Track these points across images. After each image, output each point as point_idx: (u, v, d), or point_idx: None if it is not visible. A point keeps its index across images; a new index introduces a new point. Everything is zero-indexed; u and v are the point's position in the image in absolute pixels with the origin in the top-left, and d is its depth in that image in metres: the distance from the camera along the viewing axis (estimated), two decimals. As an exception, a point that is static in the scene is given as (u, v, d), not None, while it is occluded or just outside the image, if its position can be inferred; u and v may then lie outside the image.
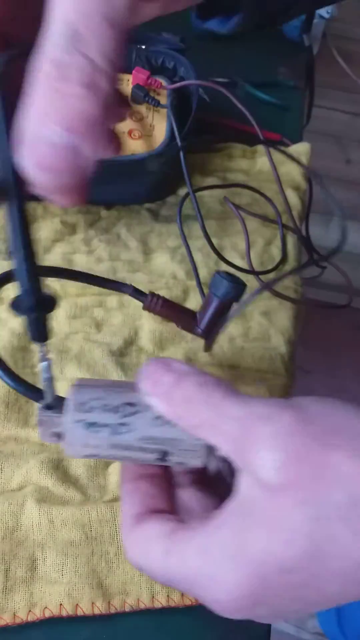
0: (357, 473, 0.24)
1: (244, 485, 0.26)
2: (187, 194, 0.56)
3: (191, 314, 0.47)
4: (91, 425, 0.31)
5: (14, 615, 0.37)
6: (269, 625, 0.41)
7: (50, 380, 0.33)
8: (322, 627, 0.94)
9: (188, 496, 0.31)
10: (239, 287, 0.45)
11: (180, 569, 0.27)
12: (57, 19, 0.19)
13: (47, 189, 0.24)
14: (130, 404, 0.31)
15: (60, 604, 0.38)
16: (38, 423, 0.33)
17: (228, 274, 0.45)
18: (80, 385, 0.33)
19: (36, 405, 0.46)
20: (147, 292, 0.47)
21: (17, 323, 0.49)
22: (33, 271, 0.28)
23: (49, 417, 0.33)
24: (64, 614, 0.37)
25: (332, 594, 0.25)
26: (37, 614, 0.37)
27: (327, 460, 0.25)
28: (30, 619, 0.37)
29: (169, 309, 0.47)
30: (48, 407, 0.33)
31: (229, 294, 0.44)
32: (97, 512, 0.40)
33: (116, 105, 0.22)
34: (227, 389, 0.28)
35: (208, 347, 0.49)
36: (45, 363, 0.33)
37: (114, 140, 0.26)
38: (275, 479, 0.25)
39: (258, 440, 0.26)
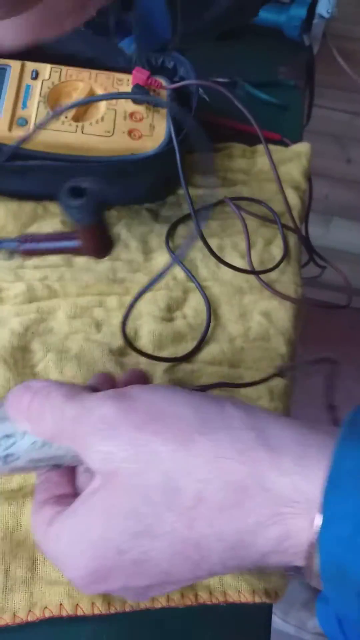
0: (172, 454, 0.27)
1: (92, 477, 0.29)
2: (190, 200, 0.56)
3: (72, 236, 0.44)
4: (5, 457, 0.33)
5: (14, 615, 0.37)
6: (269, 626, 0.41)
7: None
8: (322, 627, 0.94)
9: (82, 479, 0.34)
10: (88, 201, 0.41)
11: (52, 548, 0.30)
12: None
13: None
14: (7, 436, 0.33)
15: (60, 604, 0.38)
16: None
17: (74, 188, 0.41)
18: None
19: None
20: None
21: (17, 323, 0.49)
22: None
23: None
24: (64, 614, 0.38)
25: (167, 570, 0.28)
26: (37, 614, 0.37)
27: (146, 446, 0.27)
28: (30, 619, 0.37)
29: (48, 240, 0.44)
30: None
31: (83, 212, 0.42)
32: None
33: None
34: (68, 391, 0.30)
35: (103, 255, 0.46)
36: None
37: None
38: (104, 469, 0.28)
39: (85, 434, 0.28)
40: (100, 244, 0.44)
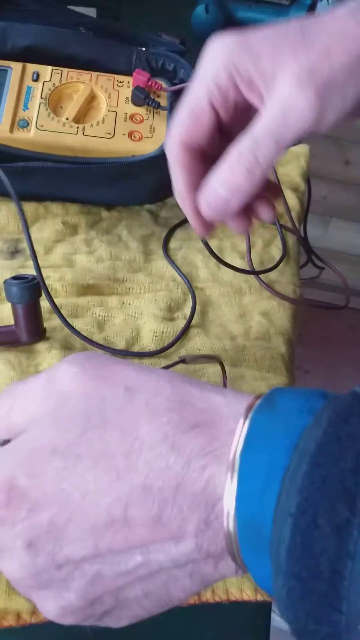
0: (135, 372, 0.29)
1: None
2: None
3: (10, 330, 0.48)
4: None
5: (18, 616, 0.37)
6: (269, 623, 0.42)
7: None
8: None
9: None
10: (30, 286, 0.46)
11: None
12: (250, 130, 0.34)
13: (209, 217, 0.37)
14: None
15: None
16: None
17: (15, 277, 0.47)
18: None
19: None
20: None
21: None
22: None
23: None
24: None
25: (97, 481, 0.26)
26: (41, 616, 0.37)
27: (113, 368, 0.29)
28: (34, 620, 0.37)
29: None
30: None
31: (24, 296, 0.46)
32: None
33: (260, 188, 0.36)
34: None
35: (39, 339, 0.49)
36: None
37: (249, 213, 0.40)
38: (70, 382, 0.28)
39: (62, 365, 0.30)
40: (36, 327, 0.48)
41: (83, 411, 0.27)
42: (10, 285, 0.46)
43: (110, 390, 0.27)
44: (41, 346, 0.49)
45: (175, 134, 0.37)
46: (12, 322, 0.48)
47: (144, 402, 0.27)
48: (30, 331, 0.48)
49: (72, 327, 0.48)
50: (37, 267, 0.48)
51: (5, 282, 0.46)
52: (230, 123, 0.37)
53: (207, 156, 0.38)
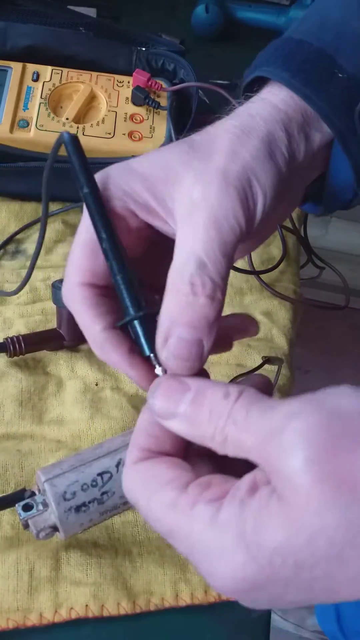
0: None
1: (274, 476, 0.25)
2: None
3: (55, 333, 0.48)
4: (80, 507, 0.34)
5: (41, 615, 0.37)
6: (269, 624, 0.42)
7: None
8: (321, 626, 0.94)
9: (203, 463, 0.29)
10: None
11: (185, 528, 0.26)
12: (185, 254, 0.29)
13: (177, 367, 0.29)
14: (102, 473, 0.34)
15: (87, 605, 0.37)
16: (25, 525, 0.35)
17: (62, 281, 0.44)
18: (50, 479, 0.35)
19: (49, 402, 0.46)
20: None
21: (22, 325, 0.50)
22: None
23: (35, 517, 0.35)
24: (90, 615, 0.37)
25: (342, 594, 0.24)
26: (63, 615, 0.37)
27: (358, 462, 0.23)
28: (57, 620, 0.37)
29: (34, 343, 0.47)
30: (25, 509, 0.35)
31: None
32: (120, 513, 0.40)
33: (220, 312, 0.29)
34: (251, 397, 0.26)
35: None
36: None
37: (224, 340, 0.34)
38: (303, 475, 0.23)
39: (284, 442, 0.24)
40: (79, 331, 0.47)
41: (325, 528, 0.23)
42: (58, 289, 0.45)
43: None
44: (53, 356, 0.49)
45: (73, 278, 0.31)
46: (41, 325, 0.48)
47: None
48: (73, 334, 0.47)
49: None
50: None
51: (53, 284, 0.46)
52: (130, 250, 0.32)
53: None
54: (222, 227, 0.29)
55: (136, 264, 0.31)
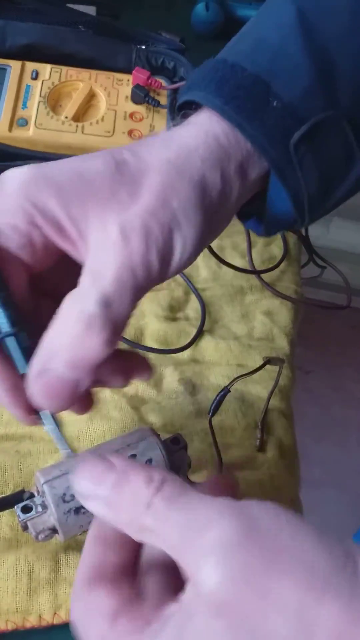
0: (301, 604, 0.21)
1: (188, 594, 0.24)
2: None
3: None
4: (79, 509, 0.34)
5: (40, 617, 0.37)
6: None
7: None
8: None
9: (153, 577, 0.27)
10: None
11: None
12: (91, 285, 0.26)
13: (43, 404, 0.28)
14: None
15: None
16: (24, 527, 0.35)
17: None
18: (49, 480, 0.34)
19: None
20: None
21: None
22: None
23: (34, 519, 0.34)
24: None
25: None
26: (62, 616, 0.37)
27: (270, 585, 0.22)
28: (56, 621, 0.37)
29: None
30: (24, 511, 0.35)
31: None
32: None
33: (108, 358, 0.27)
34: (173, 489, 0.25)
35: None
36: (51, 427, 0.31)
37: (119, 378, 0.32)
38: (215, 595, 0.22)
39: (198, 550, 0.23)
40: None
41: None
42: None
43: (266, 625, 0.22)
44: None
45: None
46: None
47: None
48: None
49: None
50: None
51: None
52: (38, 272, 0.30)
53: None
54: (136, 273, 0.27)
55: (42, 277, 0.30)
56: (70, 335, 0.26)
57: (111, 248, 0.27)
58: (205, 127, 0.31)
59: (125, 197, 0.28)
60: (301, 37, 0.31)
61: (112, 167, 0.28)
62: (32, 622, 0.37)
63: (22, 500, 0.35)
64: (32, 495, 0.36)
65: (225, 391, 0.46)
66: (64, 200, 0.27)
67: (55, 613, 0.37)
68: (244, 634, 0.22)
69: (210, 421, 0.45)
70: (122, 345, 0.50)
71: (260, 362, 0.50)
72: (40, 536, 0.34)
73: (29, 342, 0.28)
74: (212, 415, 0.46)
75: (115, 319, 0.26)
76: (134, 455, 0.36)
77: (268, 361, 0.48)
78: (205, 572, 0.22)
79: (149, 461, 0.36)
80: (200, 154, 0.30)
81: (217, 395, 0.46)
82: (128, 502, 0.25)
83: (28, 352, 0.28)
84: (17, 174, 0.29)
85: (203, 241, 0.30)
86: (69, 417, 0.45)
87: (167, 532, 0.24)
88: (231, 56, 0.33)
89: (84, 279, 0.27)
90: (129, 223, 0.27)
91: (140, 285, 0.27)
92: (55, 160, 0.29)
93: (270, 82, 0.31)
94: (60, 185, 0.28)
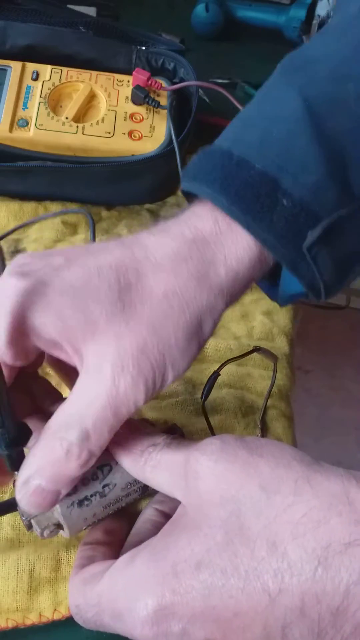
0: (275, 470, 0.26)
1: (177, 513, 0.29)
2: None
3: None
4: (82, 501, 0.34)
5: (40, 615, 0.37)
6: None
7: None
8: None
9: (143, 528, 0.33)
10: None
11: (107, 592, 0.28)
12: (74, 413, 0.29)
13: (29, 508, 0.32)
14: (101, 466, 0.34)
15: None
16: (28, 526, 0.35)
17: None
18: None
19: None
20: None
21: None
22: (7, 411, 0.30)
23: (37, 516, 0.34)
24: None
25: (246, 604, 0.25)
26: (62, 611, 0.37)
27: (250, 462, 0.27)
28: (56, 617, 0.37)
29: None
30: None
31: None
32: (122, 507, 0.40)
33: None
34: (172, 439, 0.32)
35: None
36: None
37: None
38: (206, 478, 0.27)
39: (198, 454, 0.28)
40: None
41: (220, 517, 0.26)
42: None
43: (245, 491, 0.26)
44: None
45: None
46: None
47: (283, 507, 0.25)
48: None
49: None
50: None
51: None
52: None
53: None
54: (119, 411, 0.29)
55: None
56: (50, 458, 0.29)
57: (102, 383, 0.28)
58: (225, 241, 0.30)
59: (123, 328, 0.28)
60: (310, 128, 0.30)
61: (115, 293, 0.29)
62: (32, 619, 0.37)
63: None
64: None
65: (216, 374, 0.47)
66: (62, 330, 0.28)
67: (55, 609, 0.37)
68: (229, 501, 0.26)
69: (203, 405, 0.46)
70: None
71: (259, 362, 0.50)
72: (45, 532, 0.35)
73: (20, 454, 0.32)
74: (205, 399, 0.47)
75: (92, 448, 0.29)
76: None
77: (258, 349, 0.49)
78: (203, 462, 0.28)
79: None
80: (214, 281, 0.30)
81: (209, 379, 0.47)
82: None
83: (18, 460, 0.32)
84: (13, 289, 0.29)
85: (194, 358, 0.31)
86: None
87: (173, 458, 0.30)
88: (237, 148, 0.31)
89: (71, 403, 0.29)
90: (122, 361, 0.28)
91: (121, 419, 0.29)
92: (56, 267, 0.29)
93: (279, 179, 0.30)
94: (61, 315, 0.28)
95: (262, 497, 0.26)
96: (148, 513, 0.35)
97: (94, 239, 0.52)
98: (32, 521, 0.35)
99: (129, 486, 0.35)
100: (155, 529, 0.32)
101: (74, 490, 0.34)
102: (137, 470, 0.31)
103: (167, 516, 0.34)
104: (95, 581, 0.29)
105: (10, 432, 0.30)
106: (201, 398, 0.47)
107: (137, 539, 0.33)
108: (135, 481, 0.34)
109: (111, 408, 0.28)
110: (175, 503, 0.30)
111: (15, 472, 0.32)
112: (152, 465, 0.31)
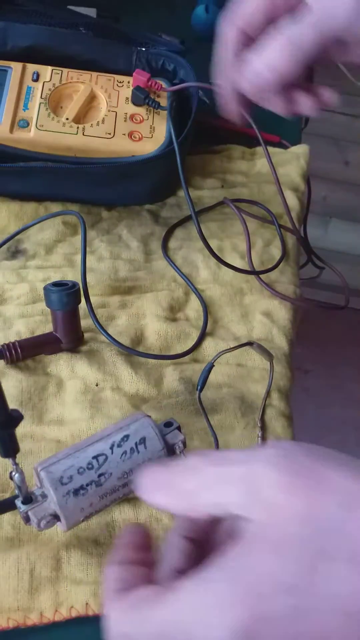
0: (349, 484, 0.25)
1: (246, 530, 0.26)
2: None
3: (52, 337, 0.48)
4: (78, 490, 0.34)
5: (41, 614, 0.37)
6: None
7: (23, 481, 0.35)
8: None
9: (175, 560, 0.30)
10: (70, 293, 0.45)
11: (174, 616, 0.25)
12: (296, 21, 0.42)
13: (247, 91, 0.45)
14: (97, 456, 0.34)
15: (87, 603, 0.37)
16: (26, 519, 0.35)
17: (55, 283, 0.46)
18: (46, 467, 0.35)
19: (49, 403, 0.46)
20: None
21: (23, 325, 0.50)
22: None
23: (34, 508, 0.35)
24: (90, 613, 0.37)
25: (330, 627, 0.24)
26: (64, 613, 0.37)
27: (320, 473, 0.26)
28: (57, 618, 0.37)
29: (31, 348, 0.47)
30: (25, 503, 0.35)
31: (66, 302, 0.45)
32: (120, 510, 0.40)
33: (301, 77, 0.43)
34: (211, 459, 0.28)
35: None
36: (17, 475, 0.35)
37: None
38: (277, 492, 0.25)
39: (260, 466, 0.26)
40: (76, 333, 0.48)
41: (301, 537, 0.25)
42: (50, 292, 0.45)
43: (320, 507, 0.25)
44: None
45: (232, 18, 0.44)
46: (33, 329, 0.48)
47: None
48: (70, 337, 0.48)
49: (107, 333, 0.49)
50: (84, 272, 0.50)
51: (45, 288, 0.46)
52: (275, 12, 0.43)
53: (250, 41, 0.44)
54: (334, 14, 0.40)
55: None
56: (273, 47, 0.42)
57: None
58: None
59: None
60: None
61: None
62: (33, 619, 0.37)
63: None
64: (32, 494, 0.36)
65: (210, 365, 0.48)
66: None
67: (56, 610, 0.37)
68: (305, 519, 0.25)
69: (199, 397, 0.47)
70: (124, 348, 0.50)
71: (259, 362, 0.50)
72: (42, 523, 0.35)
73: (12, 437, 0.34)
74: (201, 390, 0.47)
75: (304, 45, 0.41)
76: (127, 436, 0.36)
77: (251, 344, 0.49)
78: (269, 476, 0.26)
79: (142, 439, 0.36)
80: None
81: (203, 370, 0.47)
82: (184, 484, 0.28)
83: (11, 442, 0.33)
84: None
85: None
86: (69, 416, 0.45)
87: (233, 470, 0.27)
88: None
89: (299, 13, 0.41)
90: None
91: (334, 23, 0.40)
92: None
93: None
94: None
95: (340, 515, 0.25)
96: (175, 541, 0.31)
97: (84, 241, 0.52)
98: (30, 513, 0.35)
99: (125, 475, 0.35)
100: (185, 556, 0.30)
101: (70, 479, 0.34)
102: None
103: (193, 541, 0.31)
104: (148, 607, 0.26)
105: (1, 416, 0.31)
106: (197, 389, 0.47)
107: (169, 567, 0.30)
108: (132, 471, 0.34)
109: (329, 9, 0.42)
110: (199, 526, 0.29)
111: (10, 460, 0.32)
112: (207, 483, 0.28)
